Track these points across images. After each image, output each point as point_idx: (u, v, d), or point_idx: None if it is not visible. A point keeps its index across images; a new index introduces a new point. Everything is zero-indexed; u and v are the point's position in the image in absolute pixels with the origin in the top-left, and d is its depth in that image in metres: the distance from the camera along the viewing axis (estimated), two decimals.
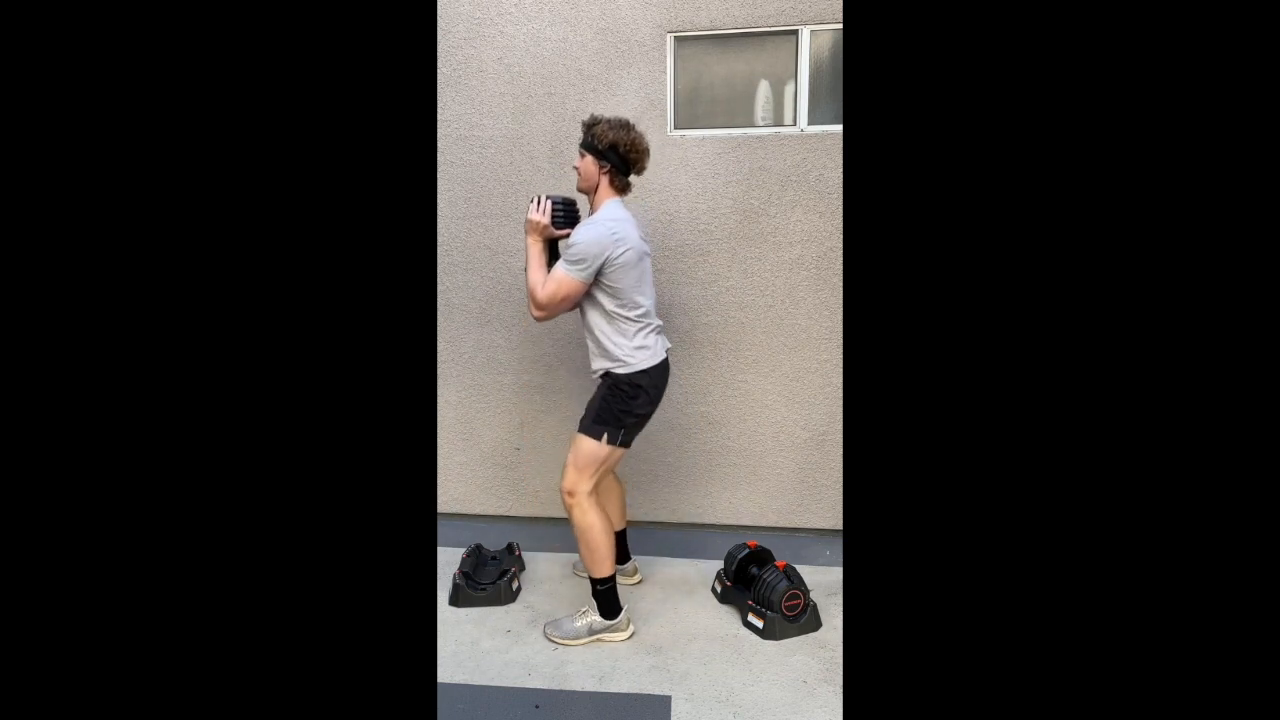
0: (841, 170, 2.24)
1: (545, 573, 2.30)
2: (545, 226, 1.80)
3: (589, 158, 1.82)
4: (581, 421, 1.89)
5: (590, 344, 1.87)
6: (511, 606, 2.07)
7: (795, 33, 2.24)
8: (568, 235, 1.81)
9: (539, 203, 1.81)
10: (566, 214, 1.84)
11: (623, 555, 2.21)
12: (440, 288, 2.48)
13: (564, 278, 1.75)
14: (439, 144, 2.42)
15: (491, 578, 2.14)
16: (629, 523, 2.44)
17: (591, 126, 1.82)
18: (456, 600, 2.07)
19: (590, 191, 1.87)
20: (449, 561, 2.24)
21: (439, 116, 2.41)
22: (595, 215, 1.83)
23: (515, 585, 2.13)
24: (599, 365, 1.87)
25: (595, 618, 1.91)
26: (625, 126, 1.81)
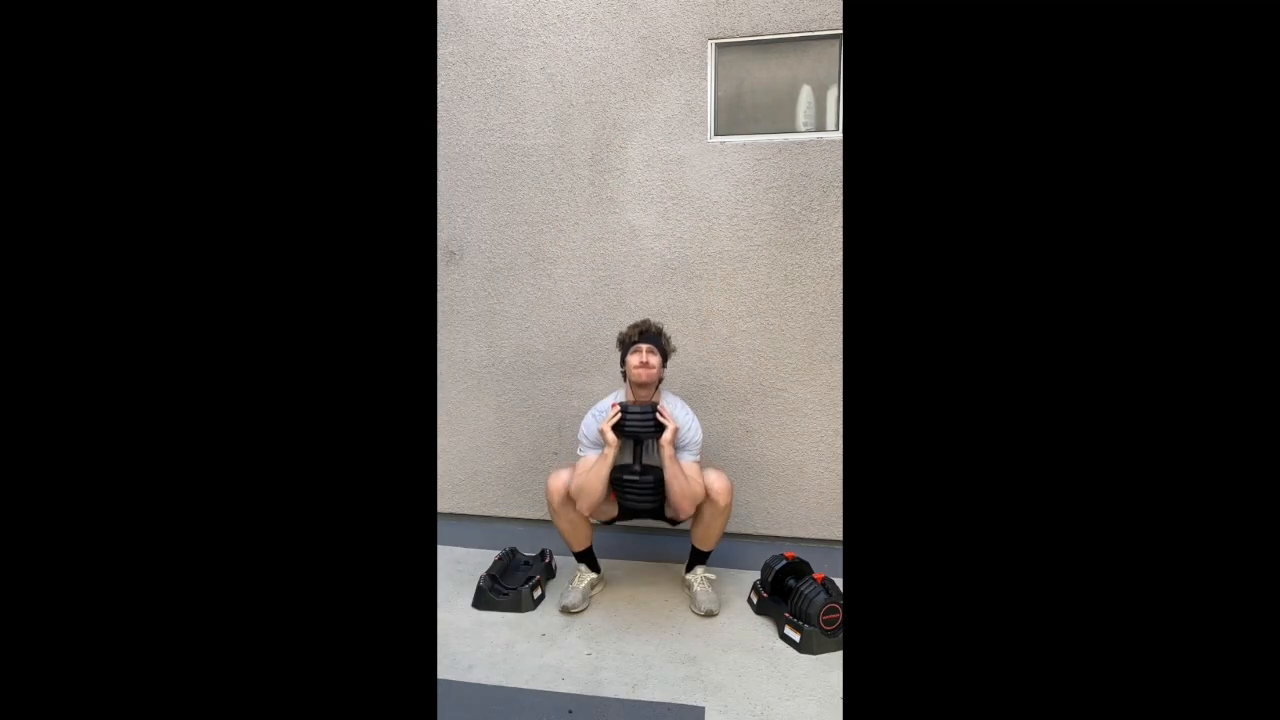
0: None
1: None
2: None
3: (660, 359, 2.04)
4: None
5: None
6: (546, 611, 2.08)
7: (838, 37, 2.21)
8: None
9: (666, 416, 1.99)
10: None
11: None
12: (483, 294, 2.52)
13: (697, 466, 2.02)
14: (482, 153, 2.47)
15: (517, 583, 2.14)
16: (663, 530, 2.42)
17: (662, 333, 2.08)
18: (479, 603, 2.08)
19: (654, 386, 2.06)
20: (481, 564, 2.26)
21: (483, 126, 2.46)
22: (673, 406, 2.06)
23: (538, 593, 2.12)
24: None
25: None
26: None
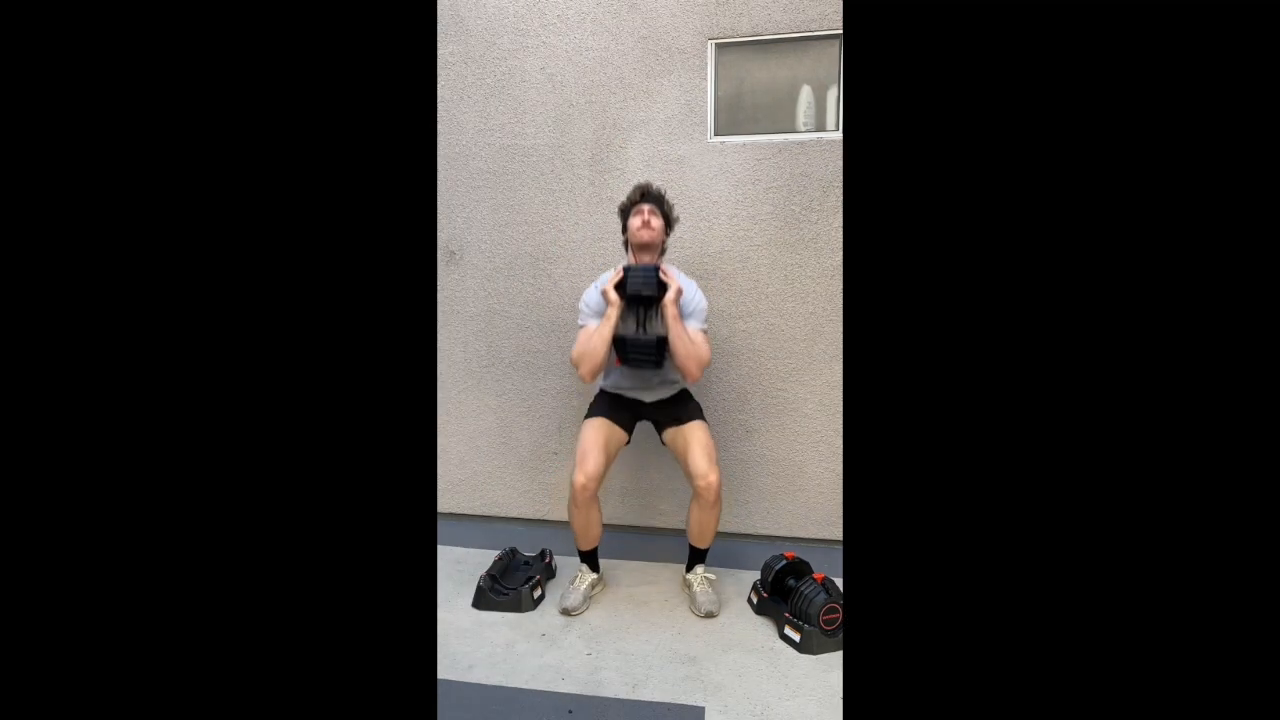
0: None
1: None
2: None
3: (663, 223, 2.02)
4: (691, 416, 2.07)
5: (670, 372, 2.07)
6: (546, 611, 2.08)
7: (838, 37, 2.21)
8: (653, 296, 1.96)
9: (669, 276, 1.94)
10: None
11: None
12: (483, 294, 2.52)
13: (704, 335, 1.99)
14: (482, 153, 2.47)
15: (517, 583, 2.14)
16: (663, 530, 2.42)
17: (664, 198, 2.05)
18: (479, 603, 2.08)
19: (658, 250, 2.05)
20: (481, 564, 2.26)
21: (483, 126, 2.46)
22: (676, 273, 2.00)
23: (537, 593, 2.13)
24: (675, 380, 2.10)
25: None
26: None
